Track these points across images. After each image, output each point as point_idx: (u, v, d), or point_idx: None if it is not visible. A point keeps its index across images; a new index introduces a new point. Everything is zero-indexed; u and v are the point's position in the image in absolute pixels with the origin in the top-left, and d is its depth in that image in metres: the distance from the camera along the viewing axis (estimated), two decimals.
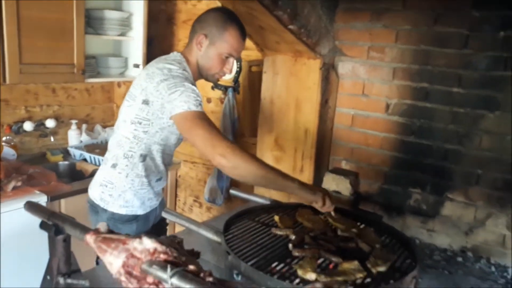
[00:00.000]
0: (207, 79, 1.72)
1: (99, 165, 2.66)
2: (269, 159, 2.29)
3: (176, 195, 3.18)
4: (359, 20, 2.08)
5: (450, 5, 1.83)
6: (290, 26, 1.83)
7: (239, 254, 1.32)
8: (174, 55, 1.67)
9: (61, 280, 0.99)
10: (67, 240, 1.00)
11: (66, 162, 2.80)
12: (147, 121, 1.59)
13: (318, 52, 2.04)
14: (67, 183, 2.46)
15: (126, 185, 1.67)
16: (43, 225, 1.00)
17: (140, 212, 1.72)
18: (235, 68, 1.63)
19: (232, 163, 1.38)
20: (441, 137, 1.92)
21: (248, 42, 2.46)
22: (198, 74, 1.69)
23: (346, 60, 2.14)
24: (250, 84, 2.62)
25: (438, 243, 1.98)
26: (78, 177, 2.68)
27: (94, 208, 1.72)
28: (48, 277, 1.03)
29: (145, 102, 1.56)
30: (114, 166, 1.68)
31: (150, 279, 0.79)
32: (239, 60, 2.75)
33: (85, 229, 0.98)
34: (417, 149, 1.98)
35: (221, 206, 2.88)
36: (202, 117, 1.45)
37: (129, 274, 0.76)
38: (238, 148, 1.41)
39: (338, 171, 2.16)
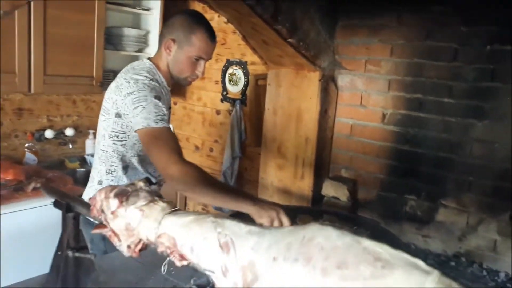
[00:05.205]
0: (179, 83, 1.71)
1: None
2: (272, 167, 2.41)
3: (185, 204, 3.30)
4: (357, 36, 2.21)
5: (440, 21, 1.95)
6: (290, 40, 1.97)
7: None
8: (143, 62, 1.65)
9: (70, 254, 1.11)
10: (76, 218, 1.13)
11: (83, 169, 2.96)
12: (123, 134, 1.61)
13: (318, 65, 2.17)
14: (83, 188, 2.61)
15: None
16: (56, 204, 1.13)
17: None
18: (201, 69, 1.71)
19: (180, 187, 1.44)
20: (434, 145, 2.00)
21: (255, 57, 2.62)
22: (171, 78, 1.69)
23: (345, 73, 2.26)
24: (256, 97, 2.76)
25: (432, 249, 2.03)
26: None
27: (87, 221, 1.68)
28: (59, 252, 1.16)
29: (118, 115, 1.58)
30: (100, 183, 1.70)
31: None
32: (246, 74, 2.92)
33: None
34: (412, 157, 2.07)
35: (228, 213, 2.98)
36: (160, 135, 1.45)
37: None
38: (189, 170, 1.38)
39: (337, 178, 2.26)
